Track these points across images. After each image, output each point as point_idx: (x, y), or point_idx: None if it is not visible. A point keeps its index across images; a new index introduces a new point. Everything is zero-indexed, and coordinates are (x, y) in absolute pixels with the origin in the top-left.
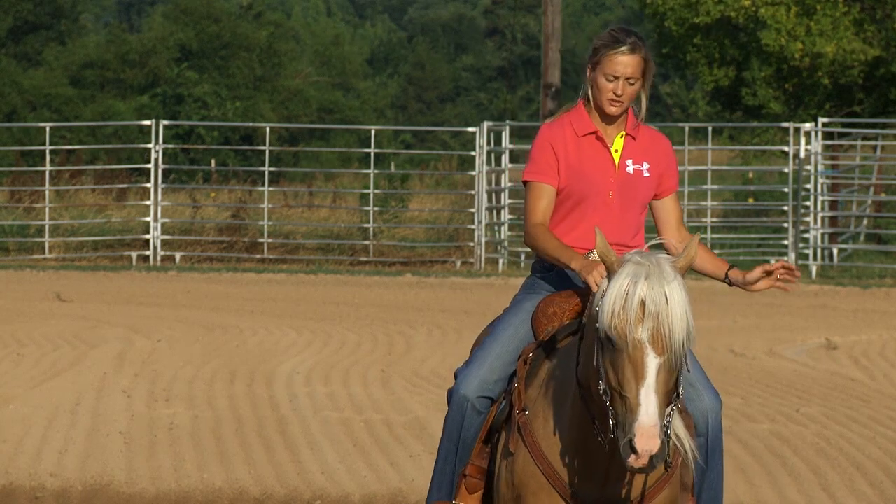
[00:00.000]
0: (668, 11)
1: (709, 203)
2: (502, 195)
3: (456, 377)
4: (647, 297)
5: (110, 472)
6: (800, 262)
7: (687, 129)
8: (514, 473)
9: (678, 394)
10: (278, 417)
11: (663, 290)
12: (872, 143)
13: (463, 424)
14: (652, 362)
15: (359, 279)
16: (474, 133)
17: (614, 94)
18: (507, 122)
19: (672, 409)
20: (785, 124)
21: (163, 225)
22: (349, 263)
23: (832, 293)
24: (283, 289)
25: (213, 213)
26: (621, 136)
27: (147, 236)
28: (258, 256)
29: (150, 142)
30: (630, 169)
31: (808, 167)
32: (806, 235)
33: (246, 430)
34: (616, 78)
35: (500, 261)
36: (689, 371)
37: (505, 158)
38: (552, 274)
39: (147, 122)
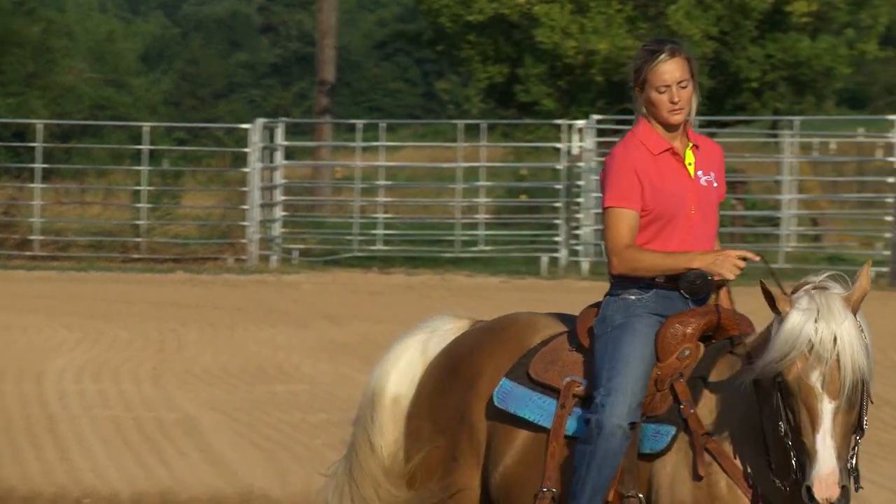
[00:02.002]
0: (442, 8)
1: (482, 200)
2: (275, 192)
3: (596, 409)
4: (817, 341)
5: None
6: (571, 258)
7: (461, 125)
8: (714, 498)
9: (862, 427)
10: (48, 415)
11: (833, 332)
12: None
13: (618, 453)
14: (826, 408)
15: (130, 276)
16: (248, 130)
17: (671, 102)
18: (281, 118)
19: (856, 444)
20: (558, 121)
21: None
22: (121, 261)
23: (603, 289)
24: (53, 286)
25: None
26: (690, 149)
27: None
28: (28, 254)
29: None
30: (703, 181)
31: (581, 164)
32: (578, 232)
33: (14, 428)
34: (667, 87)
35: (273, 257)
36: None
37: (279, 155)
38: (650, 295)
39: None
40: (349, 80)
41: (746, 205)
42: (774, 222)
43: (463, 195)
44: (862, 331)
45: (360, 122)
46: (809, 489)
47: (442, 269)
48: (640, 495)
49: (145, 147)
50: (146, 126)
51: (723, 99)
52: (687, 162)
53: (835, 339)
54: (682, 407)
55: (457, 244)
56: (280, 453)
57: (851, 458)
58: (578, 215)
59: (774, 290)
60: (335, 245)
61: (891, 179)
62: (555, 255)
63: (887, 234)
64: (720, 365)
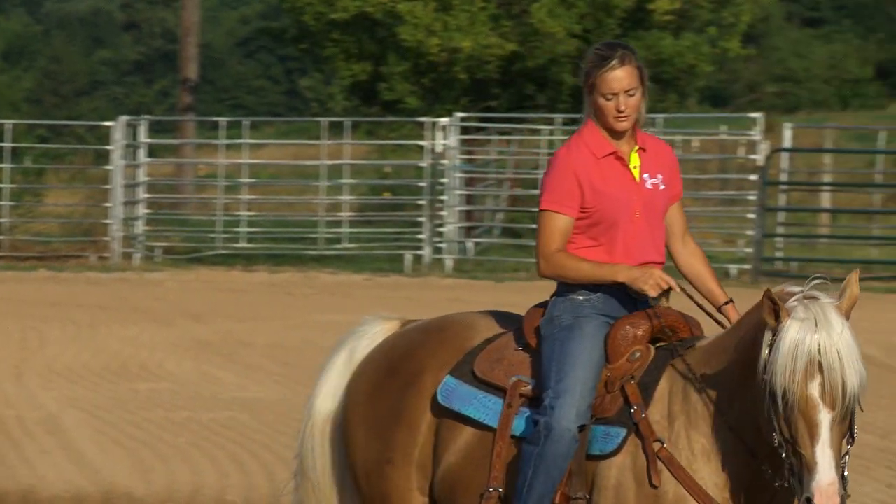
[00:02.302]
0: (305, 6)
1: (346, 197)
2: (138, 190)
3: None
4: (818, 353)
5: None
6: (435, 256)
7: (324, 123)
8: None
9: (853, 434)
10: None
11: (834, 343)
12: (508, 137)
13: (566, 456)
14: (825, 418)
15: None
16: (111, 127)
17: (617, 110)
18: (144, 116)
19: (847, 452)
20: (422, 119)
21: None
22: None
23: (467, 287)
24: None
25: None
26: (635, 151)
27: None
28: None
29: None
30: (649, 184)
31: (445, 161)
32: (441, 230)
33: None
34: (615, 94)
35: (136, 255)
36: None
37: (142, 153)
38: (598, 296)
39: None
40: (212, 77)
41: None
42: None
43: (327, 193)
44: (856, 339)
45: (223, 120)
46: (810, 500)
47: (306, 266)
48: (588, 496)
49: (7, 144)
50: (8, 123)
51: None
52: (632, 165)
53: (836, 350)
54: (633, 411)
55: (320, 242)
56: (143, 451)
57: (843, 466)
58: (442, 213)
59: (779, 301)
60: (198, 243)
61: (753, 177)
62: (418, 252)
63: (749, 232)
64: (671, 369)
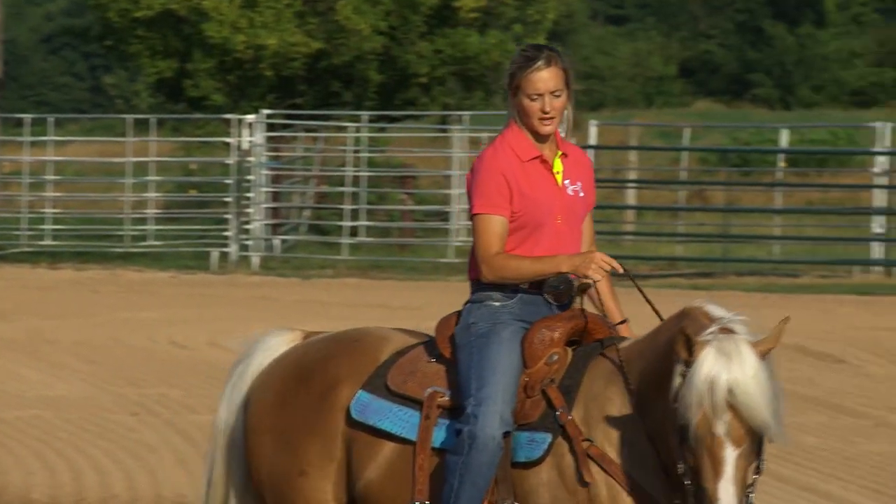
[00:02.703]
0: (109, 3)
1: (151, 195)
2: None
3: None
4: (729, 392)
5: None
6: (241, 253)
7: (129, 120)
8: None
9: (759, 466)
10: None
11: (747, 381)
12: (314, 134)
13: (491, 464)
14: (730, 456)
15: None
16: None
17: (542, 112)
18: None
19: (754, 482)
20: (228, 116)
21: None
22: None
23: (274, 284)
24: None
25: None
26: (558, 157)
27: None
28: None
29: None
30: (570, 191)
31: (251, 159)
32: (248, 227)
33: None
34: (540, 95)
35: None
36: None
37: None
38: (514, 301)
39: None
40: (16, 74)
41: (416, 199)
42: (444, 217)
43: (132, 190)
44: (771, 378)
45: (27, 117)
46: None
47: (111, 264)
48: (515, 503)
49: None
50: None
51: (392, 94)
52: (555, 170)
53: (744, 389)
54: (558, 414)
55: (126, 239)
56: None
57: (748, 495)
58: (248, 210)
59: (693, 337)
60: (3, 240)
61: None
62: (225, 249)
63: None
64: (591, 370)
